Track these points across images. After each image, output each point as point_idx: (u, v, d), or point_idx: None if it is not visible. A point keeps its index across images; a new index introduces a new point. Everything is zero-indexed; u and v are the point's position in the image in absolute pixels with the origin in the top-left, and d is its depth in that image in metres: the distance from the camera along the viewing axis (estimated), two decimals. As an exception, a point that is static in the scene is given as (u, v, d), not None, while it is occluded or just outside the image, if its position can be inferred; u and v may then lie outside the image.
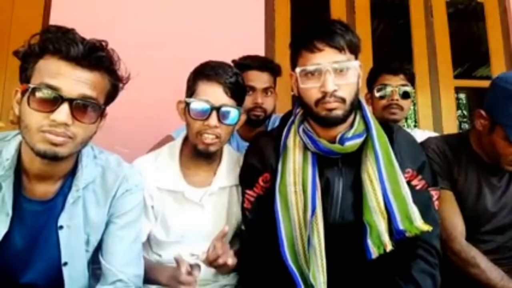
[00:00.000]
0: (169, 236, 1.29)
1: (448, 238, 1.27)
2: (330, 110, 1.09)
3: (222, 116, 1.21)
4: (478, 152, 1.36)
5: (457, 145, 1.39)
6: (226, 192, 1.33)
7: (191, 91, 1.25)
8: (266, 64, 1.71)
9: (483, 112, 1.30)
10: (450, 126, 2.51)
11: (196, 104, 1.21)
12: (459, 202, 1.33)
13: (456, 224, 1.29)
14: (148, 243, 1.33)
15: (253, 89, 1.66)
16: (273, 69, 1.72)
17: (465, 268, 1.25)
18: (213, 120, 1.19)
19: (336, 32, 1.09)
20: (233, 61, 1.70)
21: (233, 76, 1.23)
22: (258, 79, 1.66)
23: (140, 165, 1.28)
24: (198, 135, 1.23)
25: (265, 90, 1.68)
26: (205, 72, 1.23)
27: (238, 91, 1.25)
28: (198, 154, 1.28)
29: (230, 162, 1.36)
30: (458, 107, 6.12)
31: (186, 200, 1.28)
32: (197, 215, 1.29)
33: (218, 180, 1.31)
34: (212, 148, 1.24)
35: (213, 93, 1.21)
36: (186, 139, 1.34)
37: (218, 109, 1.20)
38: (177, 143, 1.35)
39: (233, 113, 1.23)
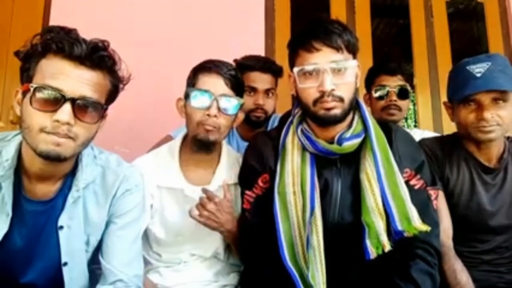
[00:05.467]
0: (168, 234, 1.29)
1: None
2: (328, 109, 1.10)
3: (222, 105, 1.23)
4: (470, 150, 1.36)
5: (450, 145, 1.39)
6: None
7: (191, 85, 1.27)
8: (268, 65, 1.69)
9: (446, 102, 1.39)
10: (450, 126, 2.48)
11: (197, 94, 1.23)
12: (453, 200, 1.33)
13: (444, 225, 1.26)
14: (148, 242, 1.33)
15: (254, 90, 1.65)
16: (275, 71, 1.70)
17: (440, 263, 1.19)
18: (214, 109, 1.21)
19: (333, 32, 1.09)
20: (235, 60, 1.70)
21: (232, 69, 1.28)
22: (260, 80, 1.65)
23: (140, 165, 1.29)
24: (199, 125, 1.24)
25: (267, 92, 1.67)
26: (205, 65, 1.27)
27: (237, 83, 1.28)
28: (197, 149, 1.29)
29: (229, 160, 1.36)
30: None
31: (186, 198, 1.28)
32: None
33: (217, 178, 1.32)
34: (212, 137, 1.24)
35: (213, 84, 1.24)
36: (185, 138, 1.35)
37: (218, 98, 1.22)
38: (177, 142, 1.36)
39: (233, 103, 1.26)
